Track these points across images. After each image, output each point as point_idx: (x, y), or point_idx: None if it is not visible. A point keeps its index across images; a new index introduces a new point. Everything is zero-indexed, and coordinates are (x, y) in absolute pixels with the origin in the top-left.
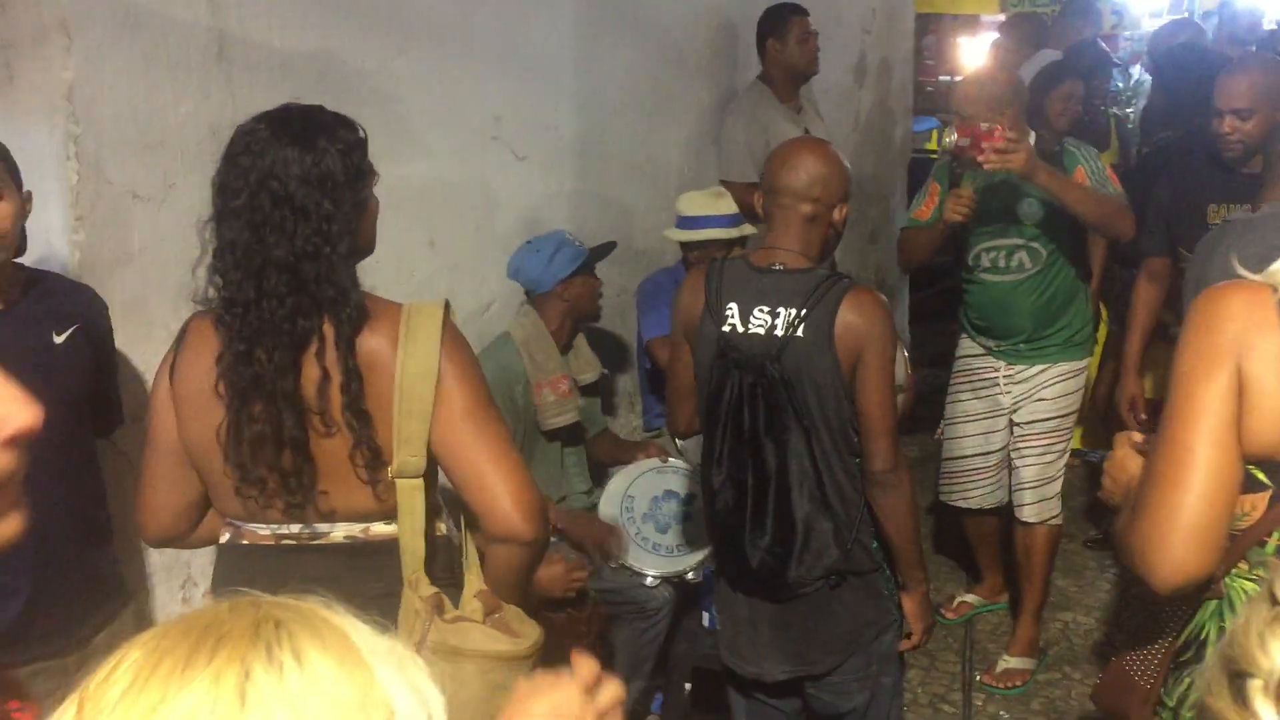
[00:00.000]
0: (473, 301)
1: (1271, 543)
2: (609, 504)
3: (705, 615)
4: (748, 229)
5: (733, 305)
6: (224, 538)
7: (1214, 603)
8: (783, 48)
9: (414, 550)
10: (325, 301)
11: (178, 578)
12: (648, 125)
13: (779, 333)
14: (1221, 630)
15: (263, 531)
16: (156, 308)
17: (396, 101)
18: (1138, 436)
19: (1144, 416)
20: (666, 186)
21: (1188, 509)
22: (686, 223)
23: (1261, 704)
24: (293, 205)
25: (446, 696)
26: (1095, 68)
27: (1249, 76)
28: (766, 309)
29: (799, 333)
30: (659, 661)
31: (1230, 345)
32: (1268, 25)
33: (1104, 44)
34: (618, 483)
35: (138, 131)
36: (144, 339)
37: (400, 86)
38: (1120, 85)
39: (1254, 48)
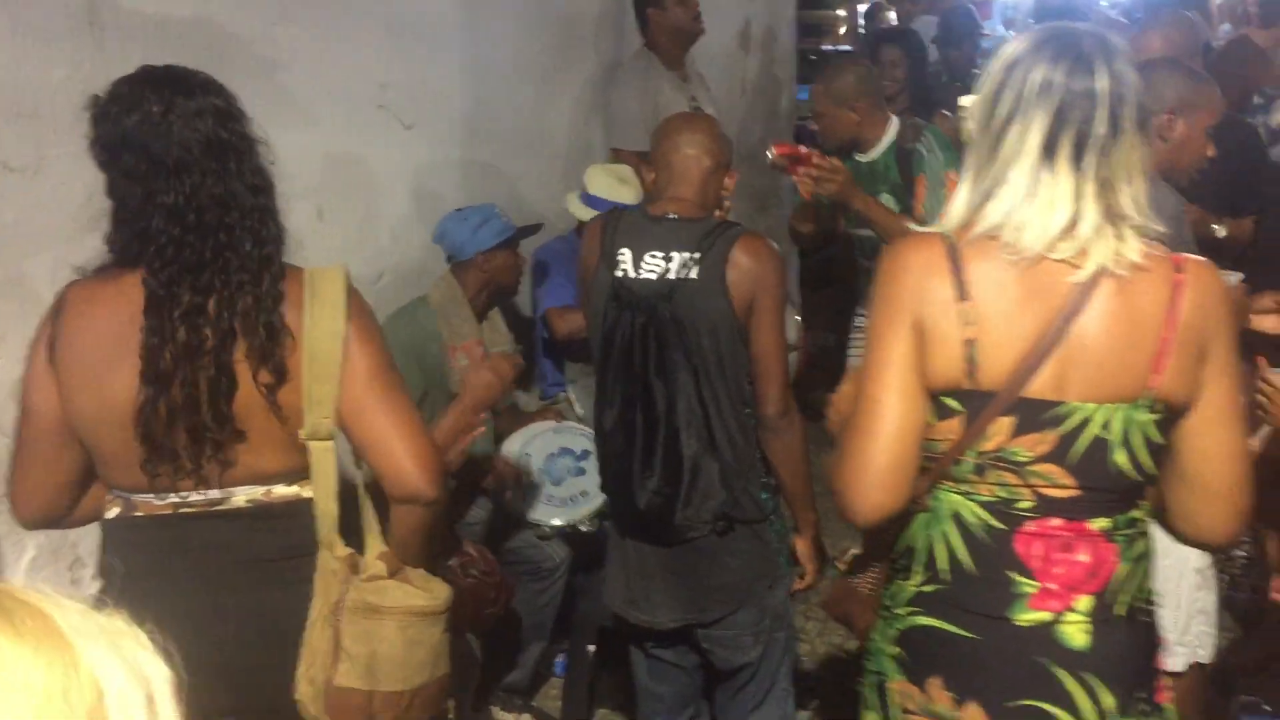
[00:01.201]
0: (364, 272)
1: (967, 460)
2: (512, 446)
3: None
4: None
5: (625, 251)
6: (111, 513)
7: (923, 515)
8: (662, 14)
9: (329, 512)
10: (246, 260)
11: (65, 559)
12: (537, 94)
13: (671, 275)
14: (929, 539)
15: (158, 502)
16: (34, 282)
17: (279, 70)
18: None
19: None
20: (556, 156)
21: (878, 454)
22: (592, 201)
23: None
24: (207, 156)
25: (368, 652)
26: (964, 34)
27: (1161, 32)
28: (660, 254)
29: (692, 274)
30: (561, 623)
31: (908, 297)
32: None
33: (974, 9)
34: (514, 441)
35: (7, 101)
36: (21, 314)
37: (282, 54)
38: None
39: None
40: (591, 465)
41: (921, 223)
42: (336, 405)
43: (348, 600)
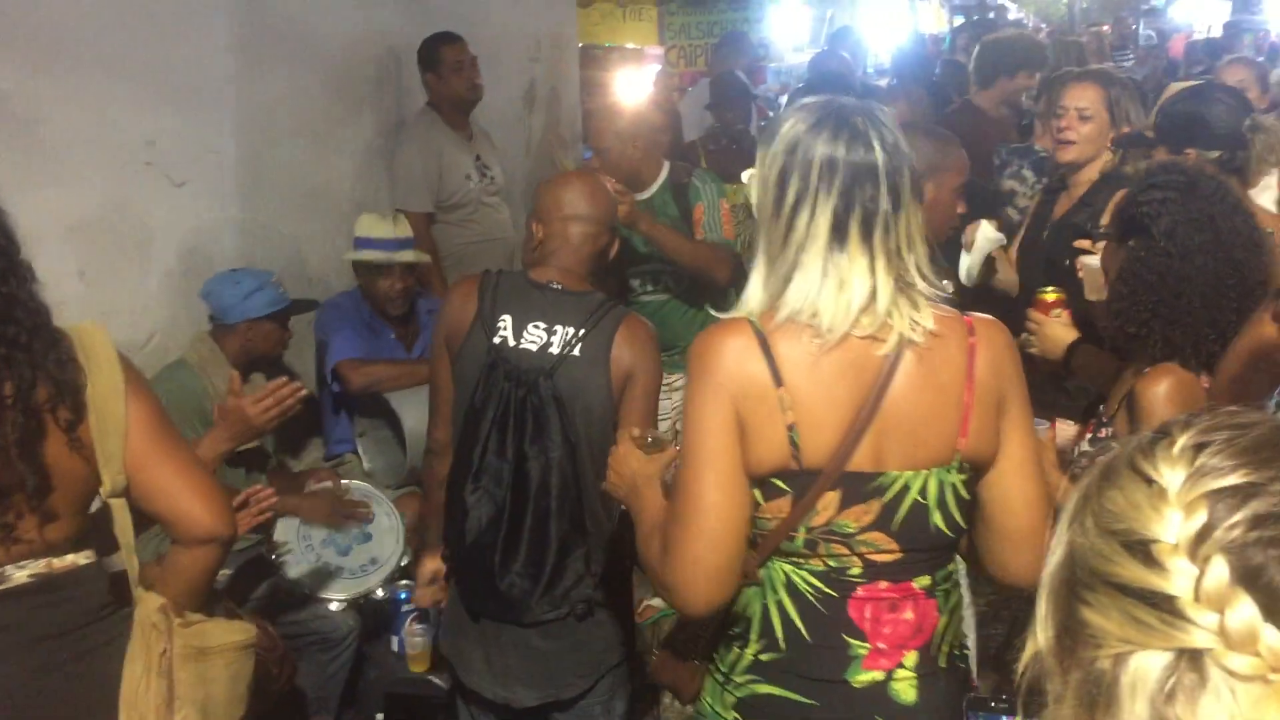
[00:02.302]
0: (132, 334)
1: (799, 536)
2: (285, 533)
3: (395, 639)
4: (421, 256)
5: (506, 318)
6: None
7: (753, 588)
8: (439, 79)
9: (133, 566)
10: (27, 327)
11: None
12: (316, 151)
13: (554, 350)
14: (764, 608)
15: None
16: None
17: (38, 125)
18: (637, 431)
19: None
20: (339, 214)
21: (706, 552)
22: (359, 244)
23: (1177, 561)
24: None
25: (203, 695)
26: (735, 97)
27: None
28: (543, 325)
29: (575, 351)
30: (347, 692)
31: (724, 386)
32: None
33: (744, 75)
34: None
35: None
36: None
37: (41, 108)
38: (771, 115)
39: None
40: (378, 528)
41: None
42: (124, 459)
43: (175, 648)
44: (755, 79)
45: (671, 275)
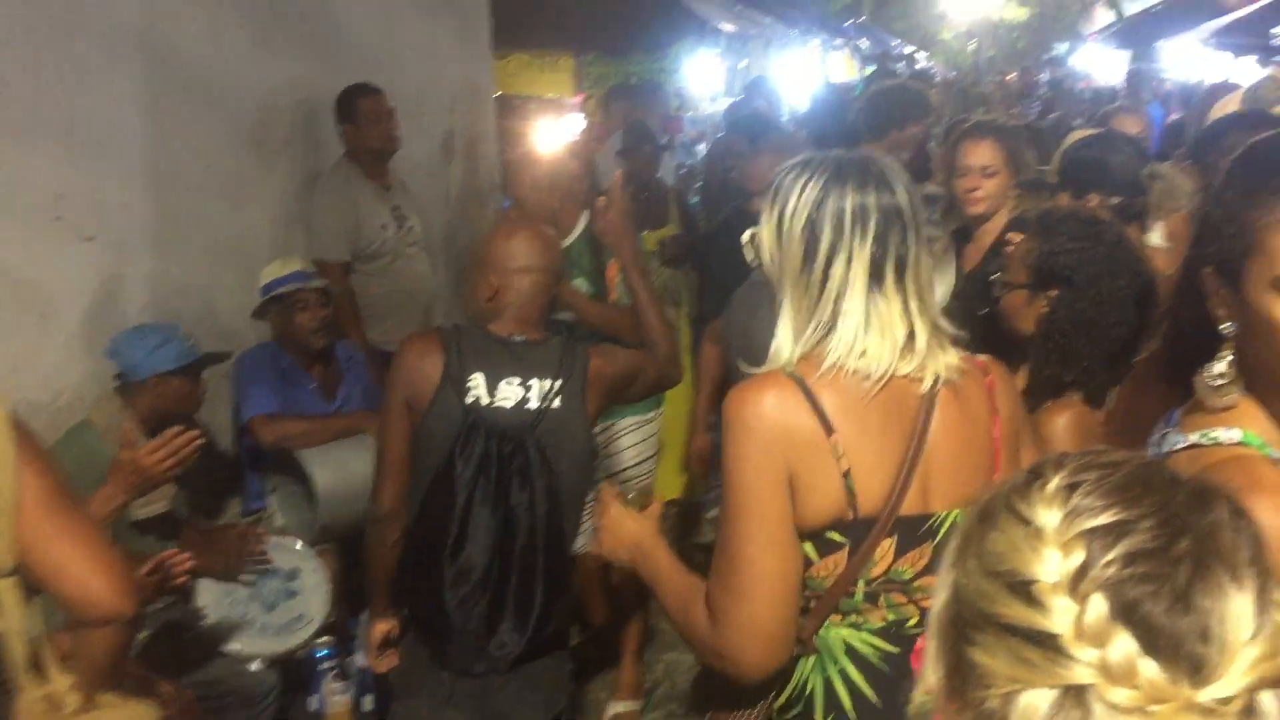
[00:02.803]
0: (39, 393)
1: (859, 590)
2: (207, 593)
3: (313, 699)
4: (332, 286)
5: (478, 375)
6: None
7: (813, 657)
8: (357, 130)
9: (22, 650)
10: None
11: None
12: (229, 203)
13: (533, 404)
14: (826, 681)
15: None
16: None
17: None
18: (617, 489)
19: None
20: (253, 267)
21: (761, 618)
22: (268, 288)
23: (1058, 600)
24: None
25: None
26: (645, 146)
27: (771, 156)
28: (517, 380)
29: (555, 404)
30: None
31: (773, 444)
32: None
33: (664, 123)
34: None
35: None
36: None
37: None
38: (689, 163)
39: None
40: (303, 584)
41: (618, 302)
42: (14, 536)
43: None
44: (671, 128)
45: None
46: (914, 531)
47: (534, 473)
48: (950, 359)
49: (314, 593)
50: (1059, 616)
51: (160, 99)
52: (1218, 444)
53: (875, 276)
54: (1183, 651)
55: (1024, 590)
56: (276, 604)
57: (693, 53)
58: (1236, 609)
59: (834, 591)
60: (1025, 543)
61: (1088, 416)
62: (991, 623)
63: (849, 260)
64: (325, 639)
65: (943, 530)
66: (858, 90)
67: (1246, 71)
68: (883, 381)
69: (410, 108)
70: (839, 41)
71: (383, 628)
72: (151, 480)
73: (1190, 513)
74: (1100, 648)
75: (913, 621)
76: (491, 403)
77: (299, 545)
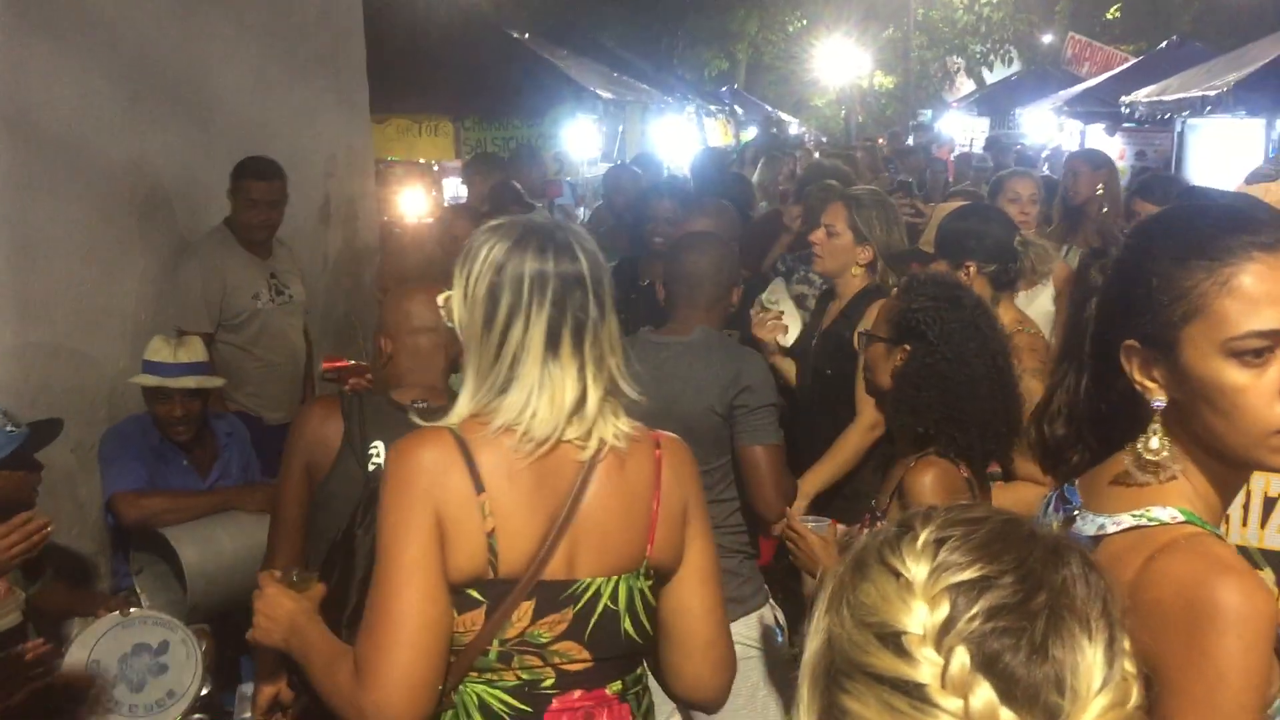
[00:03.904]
0: None
1: (493, 649)
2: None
3: None
4: (210, 381)
5: (378, 444)
6: None
7: (448, 712)
8: (235, 205)
9: None
10: None
11: None
12: (100, 271)
13: None
14: None
15: None
16: None
17: None
18: (279, 572)
19: None
20: (126, 335)
21: (410, 664)
22: (145, 367)
23: (924, 651)
24: None
25: None
26: (512, 205)
27: (706, 219)
28: None
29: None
30: None
31: (425, 497)
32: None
33: (543, 185)
34: (77, 652)
35: None
36: None
37: None
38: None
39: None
40: (174, 658)
41: None
42: None
43: None
44: (550, 191)
45: None
46: (555, 596)
47: None
48: (621, 426)
49: (184, 667)
50: (925, 667)
51: (27, 165)
52: (1161, 524)
53: (551, 342)
54: (1039, 701)
55: (893, 641)
56: (145, 682)
57: (571, 118)
58: (1088, 659)
59: (471, 649)
60: (895, 595)
61: (951, 473)
62: (862, 671)
63: (527, 325)
64: (200, 716)
65: (585, 597)
66: (734, 157)
67: (1096, 138)
68: (546, 445)
69: (288, 172)
70: (714, 108)
71: (270, 691)
72: None
73: (1046, 568)
74: (963, 697)
75: (548, 683)
76: None
77: (169, 618)
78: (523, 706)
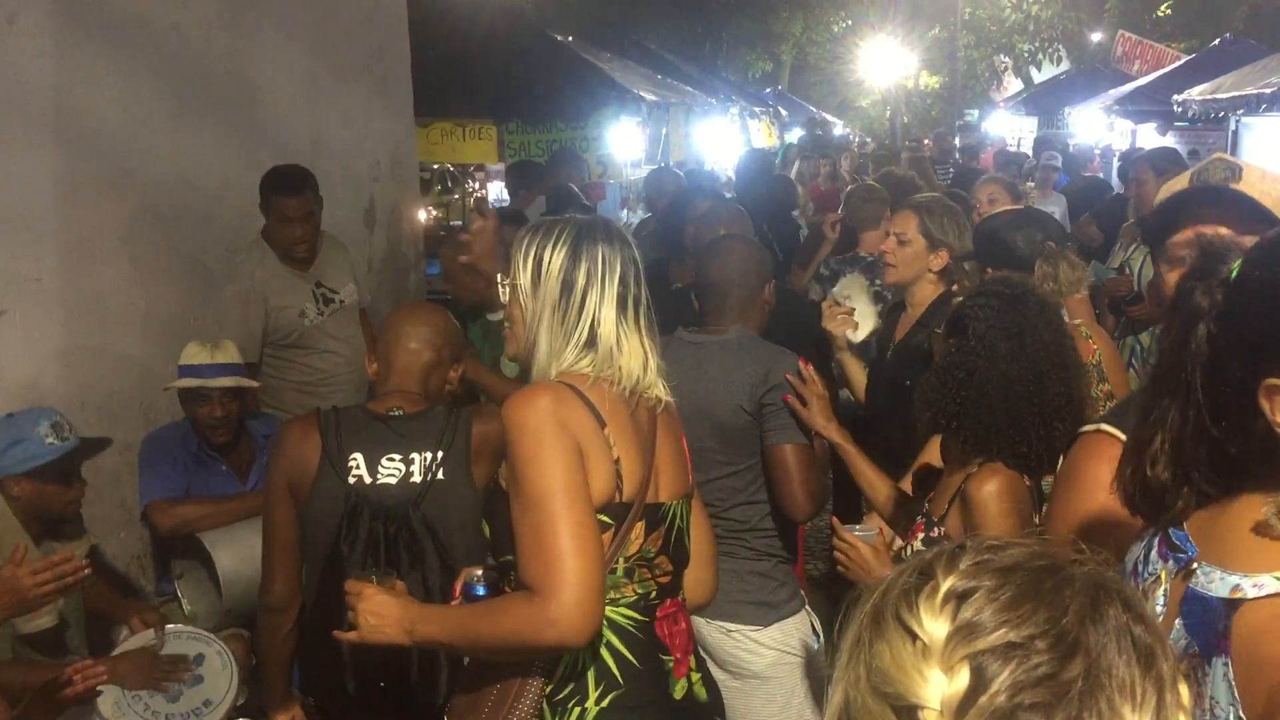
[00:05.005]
0: None
1: (620, 566)
2: (104, 698)
3: None
4: (246, 381)
5: (357, 455)
6: None
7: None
8: (266, 220)
9: None
10: None
11: None
12: (144, 278)
13: (416, 479)
14: (596, 655)
15: None
16: None
17: None
18: (359, 580)
19: None
20: (168, 341)
21: (589, 573)
22: (180, 372)
23: None
24: None
25: None
26: (571, 208)
27: (723, 223)
28: (398, 456)
29: (439, 476)
30: None
31: (562, 429)
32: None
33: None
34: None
35: None
36: None
37: None
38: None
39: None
40: (209, 668)
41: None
42: None
43: None
44: (593, 195)
45: None
46: (655, 516)
47: (423, 548)
48: (664, 386)
49: (219, 676)
50: None
51: (74, 172)
52: None
53: (622, 308)
54: None
55: (909, 715)
56: (181, 692)
57: (615, 121)
58: None
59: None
60: (911, 662)
61: (1016, 483)
62: None
63: (602, 293)
64: None
65: (669, 517)
66: (778, 158)
67: (1147, 137)
68: (634, 394)
69: (331, 176)
70: (758, 109)
71: (283, 716)
72: (26, 603)
73: (1084, 626)
74: None
75: (654, 594)
76: (375, 481)
77: (201, 631)
78: (641, 617)
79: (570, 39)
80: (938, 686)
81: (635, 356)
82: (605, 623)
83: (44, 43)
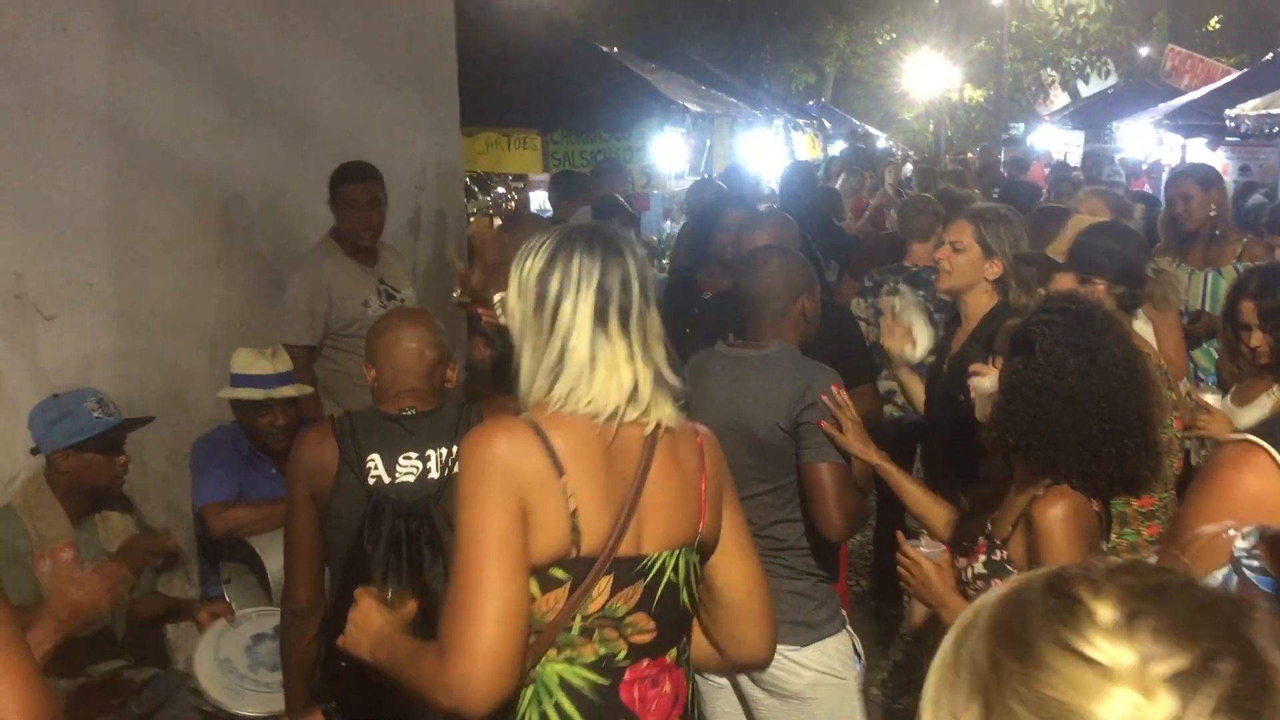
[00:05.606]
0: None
1: (575, 625)
2: (210, 680)
3: None
4: (303, 389)
5: (374, 457)
6: None
7: (529, 690)
8: (335, 213)
9: None
10: None
11: None
12: (194, 283)
13: (434, 475)
14: (542, 715)
15: None
16: None
17: None
18: (375, 590)
19: None
20: (218, 345)
21: (498, 643)
22: (236, 380)
23: None
24: None
25: None
26: (616, 217)
27: (766, 230)
28: (414, 454)
29: (457, 470)
30: None
31: (505, 481)
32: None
33: (628, 199)
34: (204, 655)
35: None
36: None
37: None
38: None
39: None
40: None
41: None
42: None
43: None
44: (637, 205)
45: None
46: (629, 570)
47: (445, 543)
48: (671, 409)
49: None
50: None
51: (124, 177)
52: None
53: (599, 319)
54: None
55: None
56: (278, 664)
57: (659, 131)
58: None
59: (553, 626)
60: (1095, 684)
61: (1083, 507)
62: None
63: (575, 303)
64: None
65: (653, 570)
66: (821, 170)
67: (1198, 152)
68: (612, 423)
69: None
70: (802, 121)
71: None
72: (84, 616)
73: (1248, 638)
74: None
75: (621, 655)
76: (394, 480)
77: (269, 608)
78: (600, 679)
79: (615, 50)
80: (1130, 705)
81: (616, 375)
82: (557, 681)
83: (97, 50)
